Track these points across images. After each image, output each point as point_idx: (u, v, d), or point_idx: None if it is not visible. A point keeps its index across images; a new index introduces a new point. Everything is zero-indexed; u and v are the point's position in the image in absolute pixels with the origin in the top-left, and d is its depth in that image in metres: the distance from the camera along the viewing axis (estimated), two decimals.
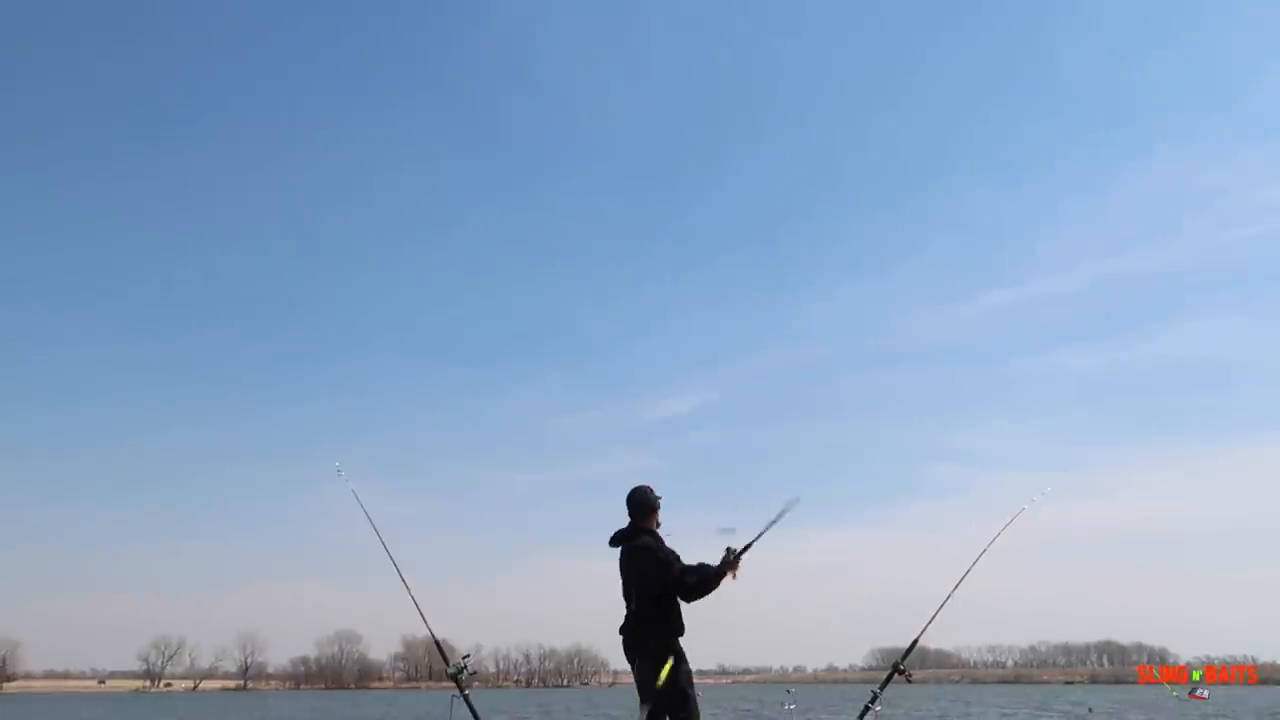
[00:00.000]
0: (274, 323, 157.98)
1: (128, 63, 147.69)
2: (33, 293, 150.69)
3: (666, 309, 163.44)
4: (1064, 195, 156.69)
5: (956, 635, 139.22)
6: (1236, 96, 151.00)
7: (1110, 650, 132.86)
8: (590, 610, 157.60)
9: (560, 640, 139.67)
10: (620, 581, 5.44)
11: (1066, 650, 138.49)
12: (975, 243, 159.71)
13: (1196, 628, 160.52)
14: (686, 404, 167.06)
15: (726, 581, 5.15)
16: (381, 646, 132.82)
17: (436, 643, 6.58)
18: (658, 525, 5.39)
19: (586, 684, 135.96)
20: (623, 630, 5.31)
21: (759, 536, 5.22)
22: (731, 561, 5.14)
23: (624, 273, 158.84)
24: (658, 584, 5.11)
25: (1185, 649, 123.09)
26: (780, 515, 5.20)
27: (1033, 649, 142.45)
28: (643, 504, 5.34)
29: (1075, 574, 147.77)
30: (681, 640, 5.20)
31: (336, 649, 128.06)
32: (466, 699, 6.09)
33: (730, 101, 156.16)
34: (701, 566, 5.19)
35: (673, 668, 5.01)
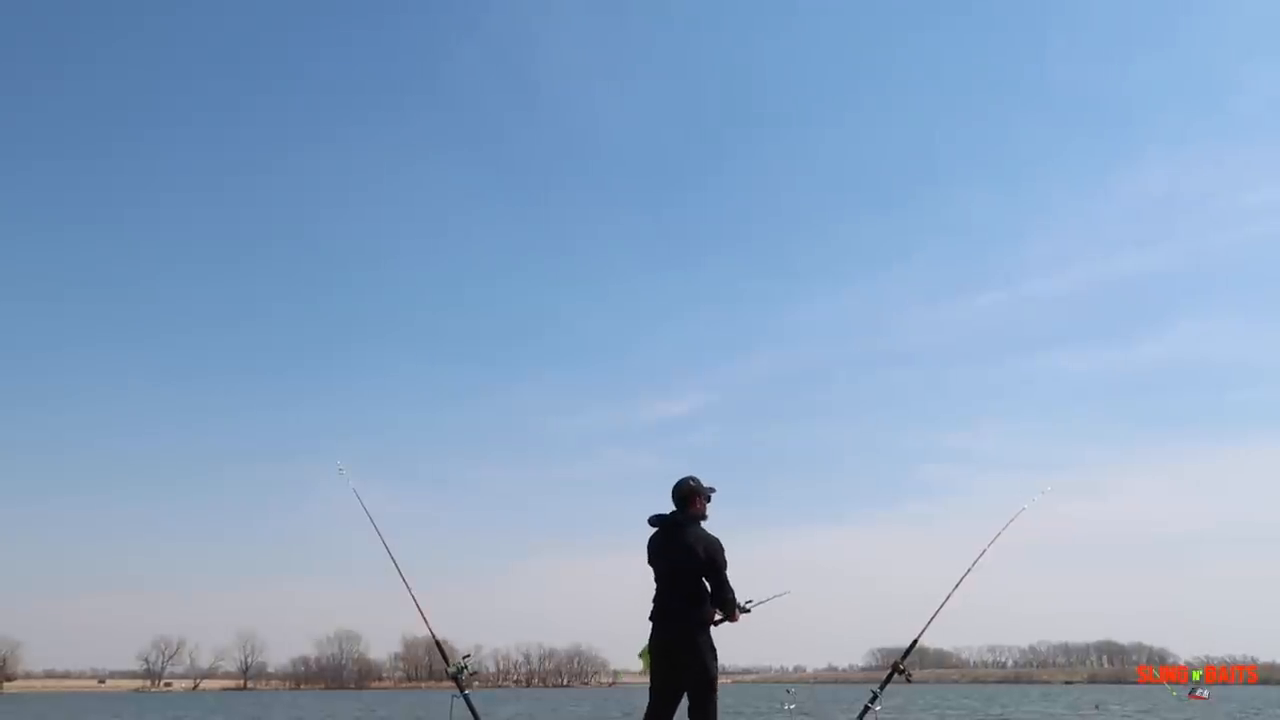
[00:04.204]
0: (276, 322, 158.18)
1: (129, 65, 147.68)
2: (34, 292, 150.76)
3: (663, 309, 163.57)
4: (1056, 197, 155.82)
5: (956, 635, 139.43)
6: (1225, 99, 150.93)
7: (1110, 650, 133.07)
8: (590, 610, 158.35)
9: (560, 640, 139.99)
10: (654, 562, 5.42)
11: (1066, 650, 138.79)
12: (967, 244, 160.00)
13: (1196, 627, 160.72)
14: (684, 405, 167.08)
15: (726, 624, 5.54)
16: (382, 646, 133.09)
17: (437, 642, 6.60)
18: (705, 517, 5.43)
19: (586, 684, 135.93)
20: (656, 607, 5.36)
21: (757, 604, 5.79)
22: (738, 611, 5.53)
23: (620, 272, 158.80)
24: (708, 565, 5.27)
25: (1184, 649, 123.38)
26: (773, 598, 5.93)
27: (1032, 649, 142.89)
28: (684, 492, 5.41)
29: (1075, 574, 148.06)
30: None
31: (336, 649, 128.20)
32: (466, 699, 6.11)
33: (724, 103, 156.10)
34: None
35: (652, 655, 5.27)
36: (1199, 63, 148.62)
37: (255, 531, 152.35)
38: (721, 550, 5.30)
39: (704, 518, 5.40)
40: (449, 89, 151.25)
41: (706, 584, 5.30)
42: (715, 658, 5.25)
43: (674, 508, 5.42)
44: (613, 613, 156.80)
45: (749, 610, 5.62)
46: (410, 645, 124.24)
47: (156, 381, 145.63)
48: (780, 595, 5.93)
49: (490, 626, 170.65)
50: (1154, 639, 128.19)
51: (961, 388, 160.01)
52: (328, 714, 41.63)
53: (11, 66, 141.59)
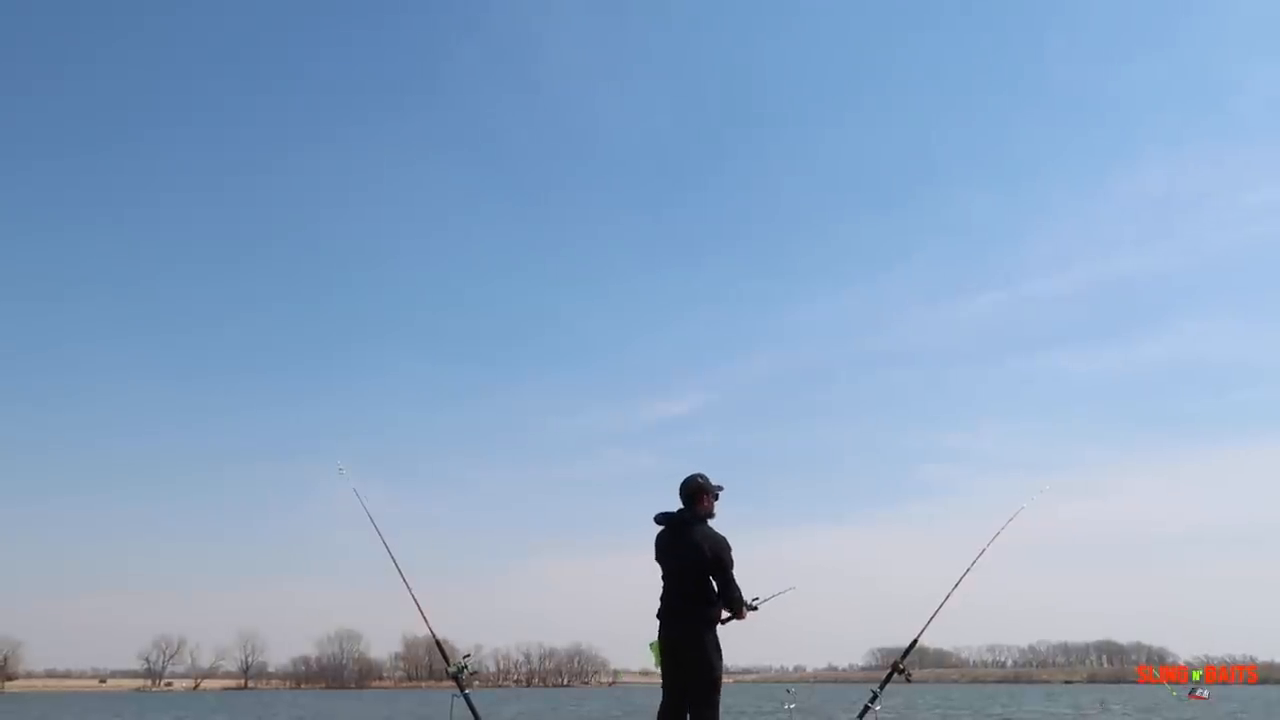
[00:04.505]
0: (276, 321, 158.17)
1: (130, 64, 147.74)
2: (33, 292, 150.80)
3: (664, 309, 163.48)
4: (1055, 197, 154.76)
5: (956, 635, 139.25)
6: (1224, 100, 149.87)
7: (1109, 650, 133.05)
8: (590, 610, 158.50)
9: (560, 640, 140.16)
10: (662, 560, 5.45)
11: (1066, 650, 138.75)
12: (967, 245, 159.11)
13: (1195, 627, 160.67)
14: (684, 405, 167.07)
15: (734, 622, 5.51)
16: (382, 646, 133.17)
17: (437, 642, 6.62)
18: (712, 515, 5.45)
19: (587, 683, 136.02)
20: (663, 605, 5.38)
21: (764, 600, 5.65)
22: (745, 609, 5.49)
23: (620, 272, 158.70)
24: (714, 564, 5.26)
25: (1184, 648, 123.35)
26: (779, 594, 5.80)
27: (1032, 648, 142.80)
28: (691, 489, 5.41)
29: (1074, 574, 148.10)
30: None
31: (337, 648, 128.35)
32: (467, 698, 6.14)
33: (724, 103, 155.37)
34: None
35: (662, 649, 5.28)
36: (1197, 63, 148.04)
37: (255, 531, 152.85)
38: (728, 549, 5.30)
39: (711, 515, 5.42)
40: (449, 89, 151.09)
41: (714, 582, 5.31)
42: (720, 657, 5.25)
43: (681, 505, 5.42)
44: (613, 612, 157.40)
45: (756, 608, 5.60)
46: (410, 645, 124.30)
47: (158, 381, 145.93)
48: (786, 591, 5.91)
49: (490, 626, 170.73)
50: (1153, 638, 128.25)
51: (961, 388, 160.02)
52: (332, 713, 41.67)
53: (11, 66, 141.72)
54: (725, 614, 5.39)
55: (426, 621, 6.44)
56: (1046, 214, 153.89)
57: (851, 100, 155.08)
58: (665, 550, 5.43)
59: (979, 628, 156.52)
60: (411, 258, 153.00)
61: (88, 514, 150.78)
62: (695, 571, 5.26)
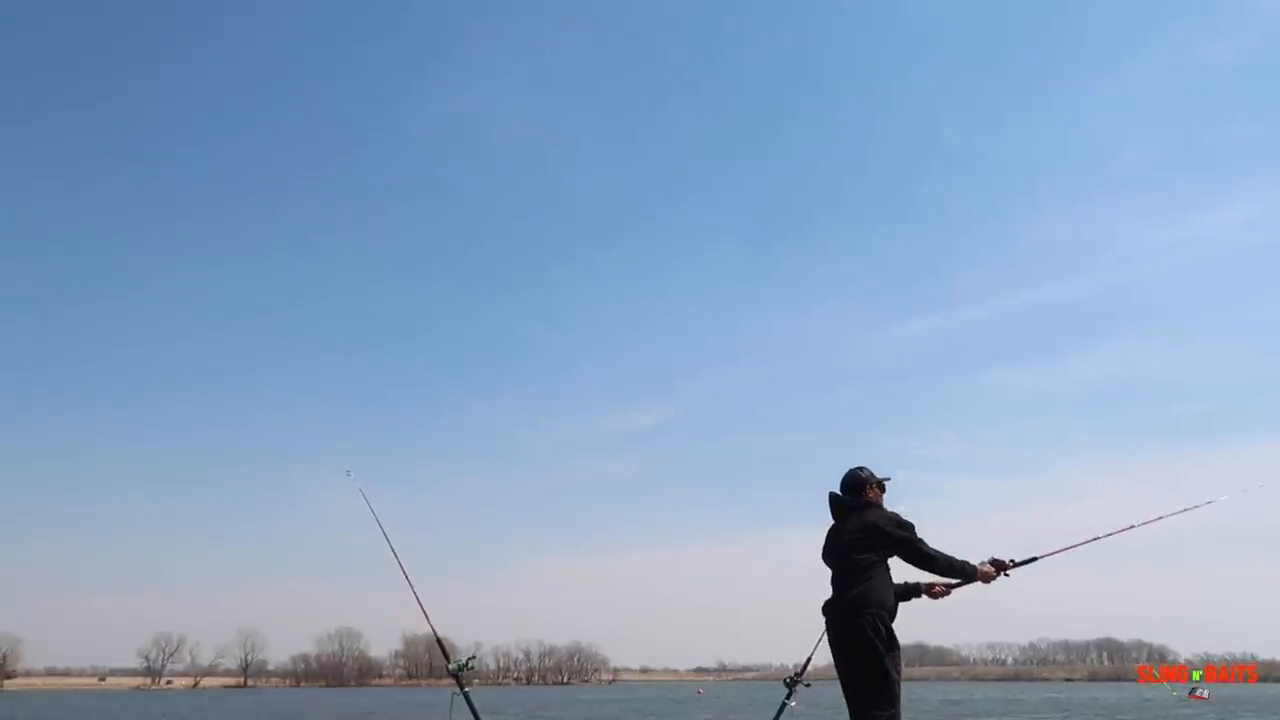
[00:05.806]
0: (274, 325, 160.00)
1: (138, 97, 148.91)
2: (35, 300, 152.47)
3: (617, 333, 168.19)
4: (967, 241, 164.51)
5: (956, 632, 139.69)
6: (1105, 162, 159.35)
7: (1110, 648, 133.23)
8: (590, 608, 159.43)
9: (559, 638, 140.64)
10: (825, 558, 4.78)
11: (1066, 648, 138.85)
12: (894, 277, 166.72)
13: (1195, 625, 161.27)
14: (650, 417, 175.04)
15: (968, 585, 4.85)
16: (382, 644, 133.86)
17: (439, 640, 6.64)
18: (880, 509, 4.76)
19: (586, 681, 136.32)
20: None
21: (1038, 559, 4.99)
22: (993, 568, 4.77)
23: (578, 301, 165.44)
24: (866, 534, 4.53)
25: (1184, 646, 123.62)
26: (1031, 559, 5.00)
27: (1032, 646, 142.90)
28: (854, 483, 4.80)
29: (1074, 572, 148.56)
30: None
31: (337, 646, 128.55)
32: (467, 696, 6.16)
33: (659, 159, 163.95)
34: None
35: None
36: (1074, 131, 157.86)
37: (255, 530, 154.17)
38: (895, 517, 4.62)
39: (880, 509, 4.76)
40: (407, 150, 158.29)
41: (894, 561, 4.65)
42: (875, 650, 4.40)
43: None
44: (613, 610, 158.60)
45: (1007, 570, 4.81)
46: (410, 643, 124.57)
47: (158, 383, 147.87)
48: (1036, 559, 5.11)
49: (490, 624, 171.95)
50: (1154, 636, 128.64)
51: (916, 402, 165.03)
52: (329, 711, 41.73)
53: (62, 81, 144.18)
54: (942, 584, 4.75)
55: (428, 619, 6.45)
56: (962, 254, 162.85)
57: (771, 159, 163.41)
58: (827, 543, 4.75)
59: (979, 626, 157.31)
60: (395, 283, 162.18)
61: (88, 512, 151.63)
62: (855, 550, 4.52)
